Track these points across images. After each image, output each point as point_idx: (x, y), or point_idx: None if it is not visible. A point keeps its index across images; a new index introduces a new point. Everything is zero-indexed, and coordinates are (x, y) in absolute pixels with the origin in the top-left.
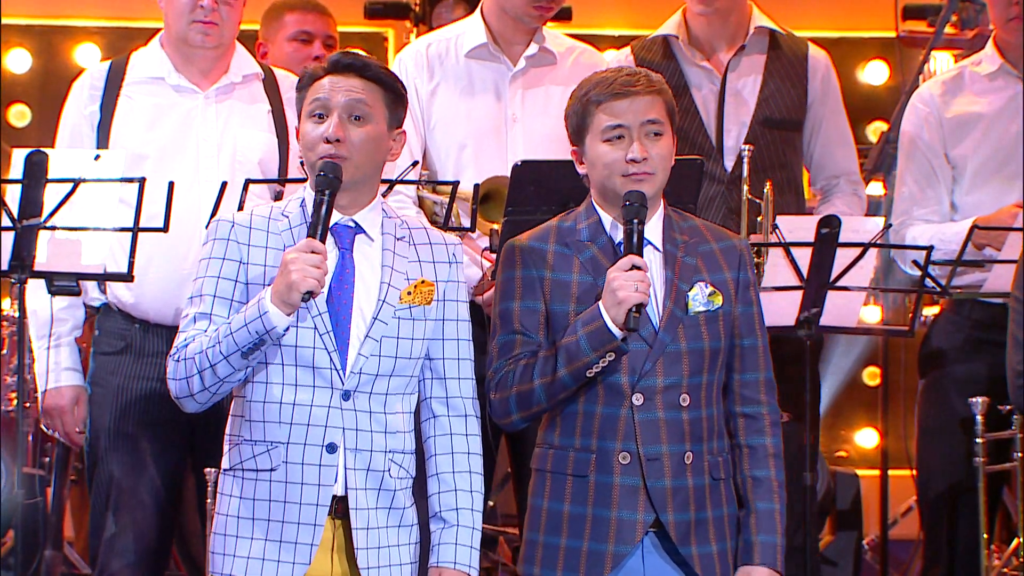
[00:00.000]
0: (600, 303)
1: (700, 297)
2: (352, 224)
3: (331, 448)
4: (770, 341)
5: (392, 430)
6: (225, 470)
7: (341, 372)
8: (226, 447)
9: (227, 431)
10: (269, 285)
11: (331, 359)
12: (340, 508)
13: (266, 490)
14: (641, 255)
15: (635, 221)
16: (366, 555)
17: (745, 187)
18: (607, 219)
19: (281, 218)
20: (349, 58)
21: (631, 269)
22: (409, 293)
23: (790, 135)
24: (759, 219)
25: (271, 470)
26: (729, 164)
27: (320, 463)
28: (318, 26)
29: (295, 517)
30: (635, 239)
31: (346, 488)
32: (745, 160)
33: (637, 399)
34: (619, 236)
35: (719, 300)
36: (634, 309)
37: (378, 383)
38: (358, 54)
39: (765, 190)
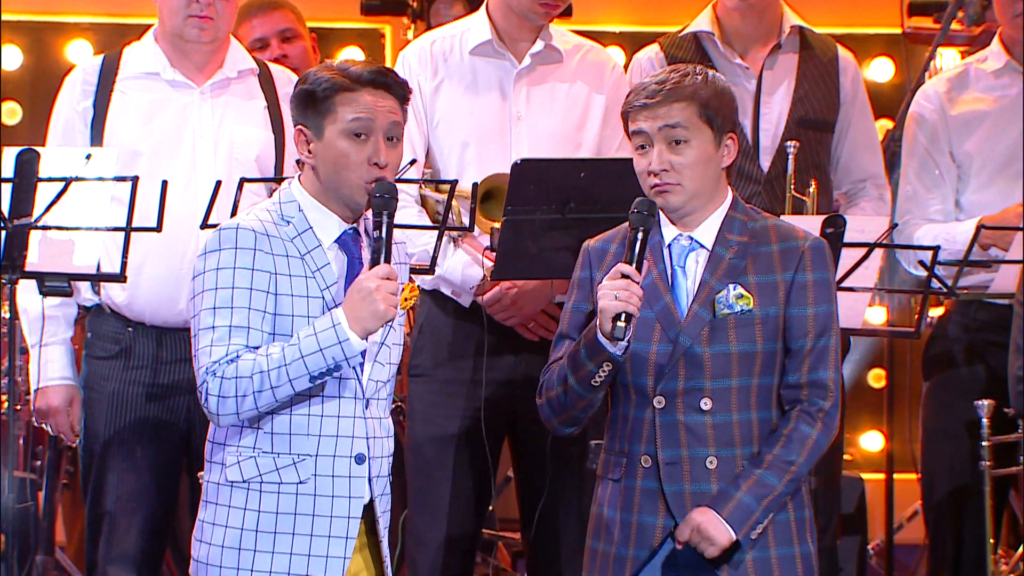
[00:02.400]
0: None
1: (726, 299)
2: (352, 231)
3: (360, 459)
4: None
5: (389, 434)
6: (234, 483)
7: (361, 381)
8: (230, 459)
9: (231, 443)
10: (295, 296)
11: (354, 369)
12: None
13: (291, 503)
14: (640, 265)
15: (640, 229)
16: (387, 559)
17: (791, 185)
18: (663, 218)
19: (284, 223)
20: (386, 76)
21: (620, 278)
22: (406, 299)
23: (823, 136)
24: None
25: (299, 483)
26: (766, 164)
27: (350, 475)
28: (266, 27)
29: (326, 530)
30: (637, 248)
31: (371, 495)
32: (791, 157)
33: (659, 402)
34: (671, 236)
35: (749, 303)
36: (621, 318)
37: (382, 389)
38: (386, 69)
39: (811, 188)
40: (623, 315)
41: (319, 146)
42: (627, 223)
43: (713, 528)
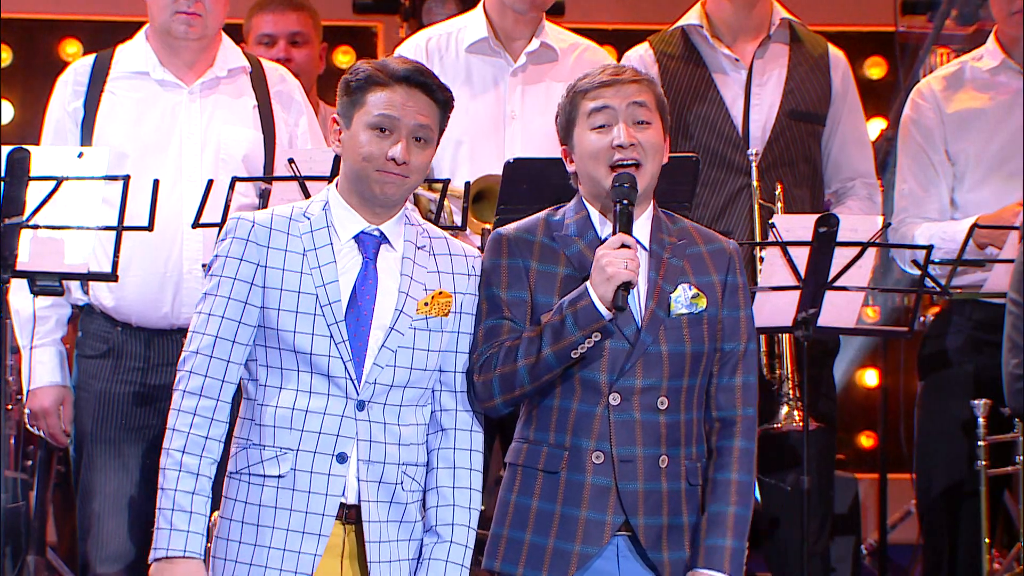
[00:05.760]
0: (587, 282)
1: (683, 299)
2: (377, 233)
3: (342, 458)
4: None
5: (405, 442)
6: (231, 473)
7: (356, 382)
8: (232, 450)
9: (235, 434)
10: (284, 290)
11: (346, 368)
12: (352, 515)
13: (273, 496)
14: (630, 235)
15: (624, 201)
16: (379, 568)
17: (756, 185)
18: (595, 215)
19: (303, 219)
20: (422, 76)
21: (621, 247)
22: (426, 304)
23: (815, 128)
24: (771, 221)
25: (279, 476)
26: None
27: (329, 472)
28: (278, 26)
29: (300, 526)
30: (625, 219)
31: (359, 499)
32: (754, 164)
33: (614, 399)
34: (606, 232)
35: (703, 303)
36: (622, 287)
37: (392, 394)
38: (427, 70)
39: (776, 192)
40: (626, 284)
41: (346, 136)
42: (542, 213)
43: None
